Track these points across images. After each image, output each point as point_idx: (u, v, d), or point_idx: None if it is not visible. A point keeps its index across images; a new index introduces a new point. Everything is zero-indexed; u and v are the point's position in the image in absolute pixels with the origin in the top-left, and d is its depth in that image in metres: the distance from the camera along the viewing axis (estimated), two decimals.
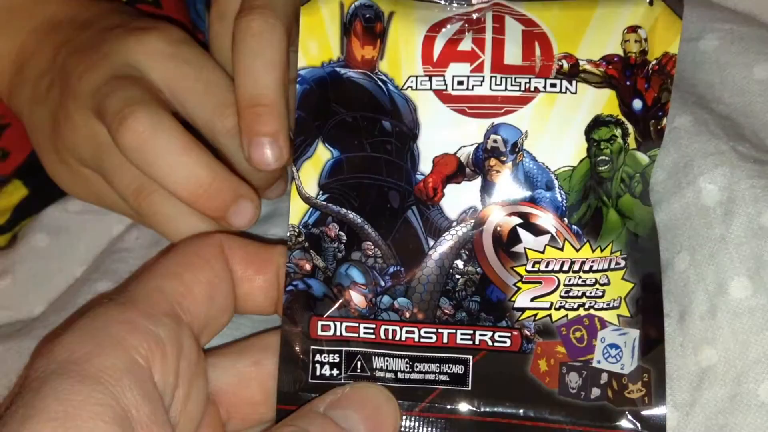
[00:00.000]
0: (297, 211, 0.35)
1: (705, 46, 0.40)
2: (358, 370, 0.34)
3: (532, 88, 0.34)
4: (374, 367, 0.34)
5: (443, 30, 0.34)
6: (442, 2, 0.35)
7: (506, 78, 0.34)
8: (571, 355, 0.34)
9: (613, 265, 0.34)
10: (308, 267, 0.35)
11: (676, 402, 0.34)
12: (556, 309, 0.34)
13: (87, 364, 0.28)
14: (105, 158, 0.40)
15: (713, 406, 0.33)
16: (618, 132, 0.34)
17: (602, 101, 0.34)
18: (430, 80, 0.34)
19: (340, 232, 0.35)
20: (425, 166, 0.34)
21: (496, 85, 0.34)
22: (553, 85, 0.34)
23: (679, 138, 0.37)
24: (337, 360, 0.34)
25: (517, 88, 0.34)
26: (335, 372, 0.34)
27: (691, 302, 0.34)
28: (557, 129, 0.33)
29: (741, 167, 0.35)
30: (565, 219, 0.34)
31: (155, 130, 0.38)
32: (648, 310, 0.34)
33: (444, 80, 0.34)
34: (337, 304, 0.34)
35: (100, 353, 0.28)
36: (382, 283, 0.34)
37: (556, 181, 0.33)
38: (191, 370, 0.32)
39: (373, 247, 0.34)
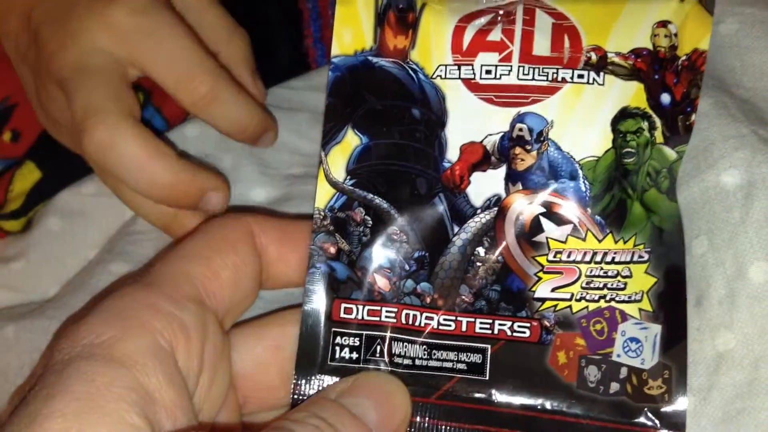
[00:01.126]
0: (323, 195, 0.36)
1: (725, 29, 0.40)
2: (377, 355, 0.34)
3: (559, 79, 0.34)
4: (393, 352, 0.34)
5: (474, 21, 0.35)
6: None
7: (534, 68, 0.34)
8: (590, 347, 0.33)
9: (636, 258, 0.33)
10: (333, 250, 0.35)
11: (693, 387, 0.33)
12: (576, 300, 0.34)
13: (112, 347, 0.28)
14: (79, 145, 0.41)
15: (731, 390, 0.33)
16: (645, 125, 0.34)
17: (630, 94, 0.34)
18: (459, 69, 0.35)
19: (366, 217, 0.35)
20: (452, 154, 0.35)
21: (523, 74, 0.34)
22: (580, 76, 0.34)
23: (699, 122, 0.36)
24: (357, 343, 0.35)
25: (545, 78, 0.34)
26: (354, 355, 0.34)
27: (709, 286, 0.34)
28: (583, 119, 0.34)
29: (762, 151, 0.35)
30: (589, 209, 0.34)
31: (113, 143, 0.39)
32: (671, 306, 0.33)
33: (472, 69, 0.35)
34: (361, 287, 0.35)
35: (124, 336, 0.28)
36: (407, 267, 0.35)
37: (580, 171, 0.34)
38: (215, 355, 0.32)
39: (399, 231, 0.35)
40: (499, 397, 0.34)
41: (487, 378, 0.34)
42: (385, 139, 0.35)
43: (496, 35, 0.35)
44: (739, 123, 0.36)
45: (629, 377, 0.33)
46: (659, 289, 0.33)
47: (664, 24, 0.34)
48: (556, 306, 0.34)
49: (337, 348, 0.35)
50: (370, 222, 0.35)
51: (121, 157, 0.39)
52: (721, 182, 0.35)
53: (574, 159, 0.34)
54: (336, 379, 0.34)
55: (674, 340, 0.33)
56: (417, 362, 0.34)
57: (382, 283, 0.35)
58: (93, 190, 0.47)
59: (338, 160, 0.36)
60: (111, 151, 0.39)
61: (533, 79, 0.34)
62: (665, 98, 0.34)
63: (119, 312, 0.30)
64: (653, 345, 0.33)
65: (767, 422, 0.32)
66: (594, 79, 0.34)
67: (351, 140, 0.36)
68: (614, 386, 0.33)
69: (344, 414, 0.31)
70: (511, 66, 0.34)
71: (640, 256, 0.33)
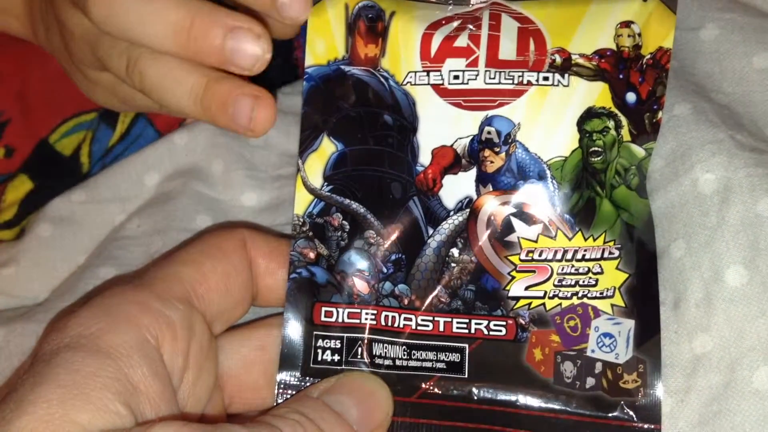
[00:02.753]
0: (301, 201, 0.37)
1: (705, 35, 0.40)
2: (358, 357, 0.35)
3: (525, 81, 0.35)
4: (374, 353, 0.35)
5: (441, 27, 0.36)
6: (442, 3, 0.37)
7: (500, 72, 0.35)
8: (565, 343, 0.34)
9: (606, 255, 0.34)
10: (312, 255, 0.36)
11: (671, 389, 0.34)
12: (549, 298, 0.34)
13: (99, 339, 0.29)
14: (98, 47, 0.38)
15: (708, 393, 0.33)
16: (611, 124, 0.34)
17: (595, 94, 0.34)
18: (428, 75, 0.36)
19: (343, 222, 0.36)
20: (425, 158, 0.36)
21: (490, 78, 0.35)
22: (545, 79, 0.34)
23: (678, 126, 0.37)
24: (339, 346, 0.35)
25: (511, 81, 0.35)
26: (336, 358, 0.35)
27: (686, 289, 0.34)
28: (550, 120, 0.34)
29: (738, 156, 0.35)
30: (558, 208, 0.34)
31: None
32: (643, 301, 0.34)
33: (441, 75, 0.35)
34: (340, 291, 0.36)
35: (111, 329, 0.30)
36: (384, 270, 0.35)
37: (548, 171, 0.34)
38: (202, 354, 0.33)
39: (375, 235, 0.36)
40: (479, 394, 0.34)
41: (466, 376, 0.35)
42: (359, 146, 0.36)
43: (462, 41, 0.35)
44: (717, 128, 0.37)
45: (604, 372, 0.34)
46: (631, 284, 0.34)
47: (627, 24, 0.34)
48: (530, 304, 0.34)
49: (319, 351, 0.35)
50: (348, 227, 0.36)
51: (125, 4, 0.35)
52: (698, 187, 0.36)
53: (542, 159, 0.34)
54: (318, 380, 0.35)
55: (648, 334, 0.34)
56: (397, 362, 0.35)
57: (360, 286, 0.36)
58: (83, 198, 0.47)
59: (315, 167, 0.37)
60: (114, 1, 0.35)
61: (500, 82, 0.35)
62: (631, 97, 0.34)
63: (108, 307, 0.31)
64: (627, 340, 0.34)
65: (743, 424, 0.33)
66: (559, 81, 0.34)
67: (327, 147, 0.37)
68: (590, 381, 0.34)
69: (326, 410, 0.32)
70: (478, 71, 0.35)
71: (611, 253, 0.34)
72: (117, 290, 0.32)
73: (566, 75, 0.34)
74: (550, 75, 0.34)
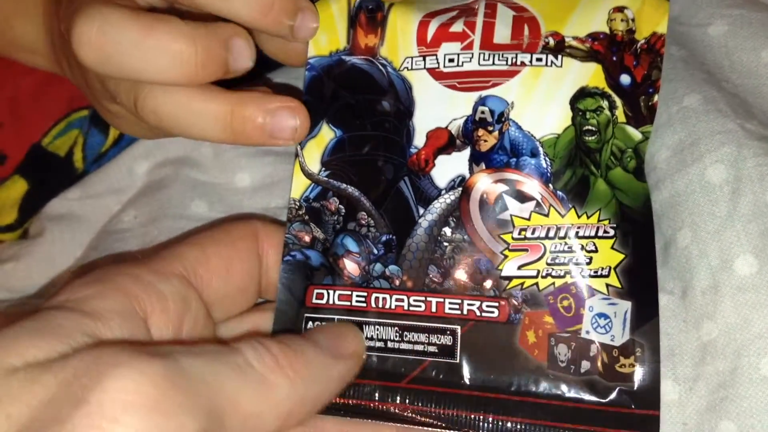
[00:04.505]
0: (298, 186, 0.37)
1: (714, 31, 0.40)
2: None
3: (518, 62, 0.35)
4: (365, 335, 0.34)
5: (438, 15, 0.37)
6: None
7: (494, 54, 0.35)
8: (559, 325, 0.33)
9: (601, 233, 0.33)
10: (307, 239, 0.36)
11: (679, 376, 0.33)
12: (542, 277, 0.33)
13: (83, 303, 0.29)
14: (108, 84, 0.37)
15: (715, 379, 0.33)
16: (605, 104, 0.34)
17: (588, 74, 0.34)
18: (424, 60, 0.36)
19: (339, 206, 0.36)
20: (419, 141, 0.36)
21: (484, 60, 0.35)
22: (539, 60, 0.35)
23: (688, 117, 0.37)
24: None
25: (504, 62, 0.35)
26: None
27: (693, 278, 0.34)
28: (542, 99, 0.34)
29: (748, 145, 0.35)
30: (550, 185, 0.34)
31: (103, 31, 0.33)
32: (641, 283, 0.33)
33: (436, 59, 0.36)
34: (333, 273, 0.35)
35: (98, 296, 0.30)
36: (375, 251, 0.35)
37: (541, 149, 0.34)
38: (195, 331, 0.33)
39: (366, 216, 0.36)
40: (470, 379, 0.33)
41: (458, 360, 0.34)
42: (357, 131, 0.37)
43: (458, 27, 0.36)
44: (726, 118, 0.37)
45: (599, 355, 0.32)
46: (627, 265, 0.33)
47: (620, 9, 0.35)
48: (523, 284, 0.33)
49: None
50: (344, 210, 0.36)
51: (118, 45, 0.33)
52: (706, 176, 0.35)
53: (535, 137, 0.34)
54: None
55: (645, 317, 0.33)
56: (389, 344, 0.34)
57: (351, 267, 0.35)
58: (78, 194, 0.48)
59: (313, 153, 0.37)
60: (105, 43, 0.33)
61: (493, 64, 0.35)
62: (625, 79, 0.34)
63: (100, 277, 0.31)
64: (623, 321, 0.33)
65: (750, 410, 0.32)
66: (552, 62, 0.35)
67: (326, 134, 0.37)
68: (585, 365, 0.32)
69: (296, 336, 0.31)
70: (472, 53, 0.36)
71: (605, 231, 0.33)
72: (113, 264, 0.32)
73: (559, 56, 0.35)
74: (543, 56, 0.35)
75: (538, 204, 0.34)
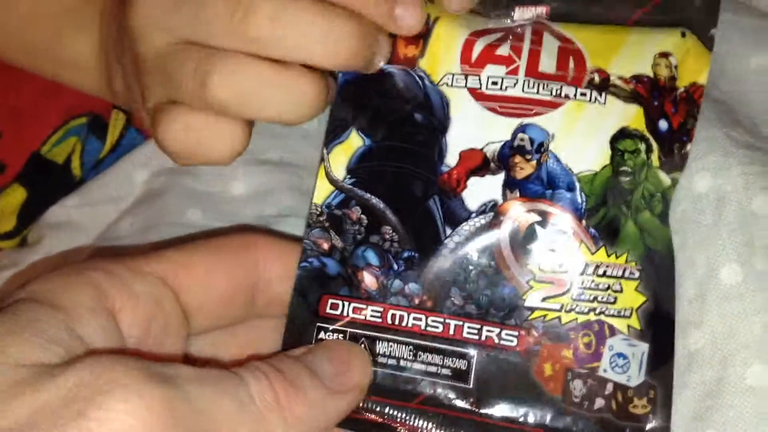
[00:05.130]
0: (322, 191, 0.36)
1: None
2: None
3: (562, 95, 0.35)
4: (377, 351, 0.34)
5: (484, 36, 0.36)
6: (485, 16, 0.37)
7: (539, 82, 0.35)
8: (577, 361, 0.33)
9: (627, 274, 0.34)
10: (326, 246, 0.35)
11: None
12: (566, 311, 0.33)
13: (52, 295, 0.28)
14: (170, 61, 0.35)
15: (701, 388, 0.33)
16: (642, 146, 0.35)
17: (630, 116, 0.35)
18: (466, 78, 0.36)
19: (362, 216, 0.35)
20: (452, 159, 0.35)
21: (528, 88, 0.35)
22: (583, 94, 0.35)
23: None
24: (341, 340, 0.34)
25: (549, 92, 0.35)
26: None
27: (680, 286, 0.35)
28: (583, 134, 0.34)
29: (734, 154, 0.36)
30: (584, 221, 0.34)
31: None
32: (659, 325, 0.33)
33: (479, 80, 0.36)
34: (350, 285, 0.34)
35: (68, 289, 0.29)
36: (395, 267, 0.35)
37: (577, 184, 0.34)
38: (166, 335, 0.32)
39: (391, 231, 0.35)
40: (482, 406, 0.33)
41: (471, 386, 0.33)
42: (387, 142, 0.36)
43: (504, 50, 0.36)
44: (712, 125, 0.37)
45: (614, 394, 0.33)
46: (648, 308, 0.33)
47: (665, 55, 0.35)
48: (545, 316, 0.33)
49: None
50: (366, 221, 0.35)
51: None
52: (693, 184, 0.36)
53: (572, 171, 0.34)
54: None
55: (661, 360, 0.33)
56: (401, 363, 0.34)
57: (369, 281, 0.35)
58: (76, 202, 0.48)
59: (340, 159, 0.36)
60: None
61: (537, 93, 0.35)
62: (663, 124, 0.35)
63: (73, 270, 0.30)
64: (640, 363, 0.33)
65: (736, 420, 0.33)
66: (596, 98, 0.35)
67: (354, 141, 0.36)
68: (599, 402, 0.33)
69: (296, 364, 0.30)
70: (517, 79, 0.35)
71: (631, 273, 0.34)
72: (93, 259, 0.32)
73: (603, 94, 0.35)
74: (587, 91, 0.35)
75: (569, 238, 0.34)
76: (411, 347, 0.34)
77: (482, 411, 0.33)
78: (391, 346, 0.34)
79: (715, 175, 0.36)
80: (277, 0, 0.33)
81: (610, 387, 0.33)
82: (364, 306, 0.34)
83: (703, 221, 0.36)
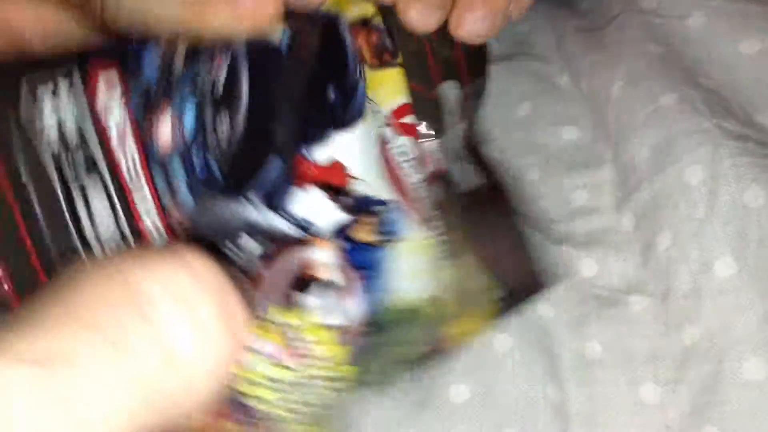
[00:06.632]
0: None
1: (693, 23, 0.40)
2: None
3: None
4: None
5: None
6: None
7: None
8: None
9: None
10: None
11: (660, 379, 0.34)
12: None
13: None
14: None
15: (698, 383, 0.33)
16: None
17: None
18: None
19: None
20: None
21: None
22: None
23: (664, 117, 0.37)
24: None
25: None
26: None
27: (675, 281, 0.34)
28: None
29: (725, 145, 0.35)
30: None
31: None
32: None
33: None
34: None
35: None
36: None
37: None
38: None
39: None
40: None
41: None
42: None
43: None
44: (703, 117, 0.36)
45: None
46: None
47: None
48: None
49: None
50: None
51: None
52: (684, 177, 0.35)
53: None
54: None
55: None
56: None
57: None
58: None
59: None
60: None
61: None
62: None
63: None
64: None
65: (733, 414, 0.33)
66: None
67: None
68: None
69: None
70: None
71: None
72: None
73: None
74: None
75: None
76: None
77: None
78: None
79: (707, 167, 0.35)
80: None
81: None
82: None
83: (696, 214, 0.35)
